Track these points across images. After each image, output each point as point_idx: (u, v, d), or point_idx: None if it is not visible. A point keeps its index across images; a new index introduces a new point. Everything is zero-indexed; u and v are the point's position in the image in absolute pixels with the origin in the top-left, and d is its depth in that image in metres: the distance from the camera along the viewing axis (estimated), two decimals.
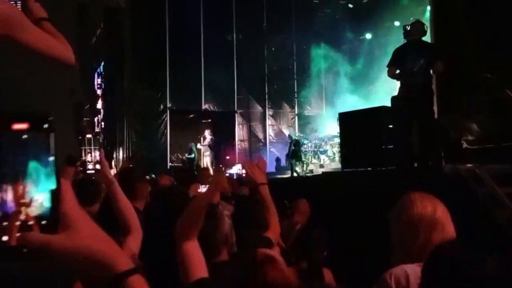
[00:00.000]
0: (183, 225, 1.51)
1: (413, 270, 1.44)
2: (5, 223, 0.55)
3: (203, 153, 12.77)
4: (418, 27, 5.43)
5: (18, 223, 0.55)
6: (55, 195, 0.57)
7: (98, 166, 1.75)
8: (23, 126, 0.56)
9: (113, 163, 12.61)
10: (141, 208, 2.96)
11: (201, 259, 1.43)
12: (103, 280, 0.60)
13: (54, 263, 0.59)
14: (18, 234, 0.55)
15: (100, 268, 0.60)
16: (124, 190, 1.87)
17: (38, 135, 0.56)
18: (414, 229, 1.56)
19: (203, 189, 3.64)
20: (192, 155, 12.37)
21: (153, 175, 6.73)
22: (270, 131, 15.37)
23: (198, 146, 12.76)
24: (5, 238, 0.55)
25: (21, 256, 0.56)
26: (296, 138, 12.37)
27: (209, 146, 12.57)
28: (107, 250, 0.61)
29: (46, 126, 0.57)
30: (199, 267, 1.40)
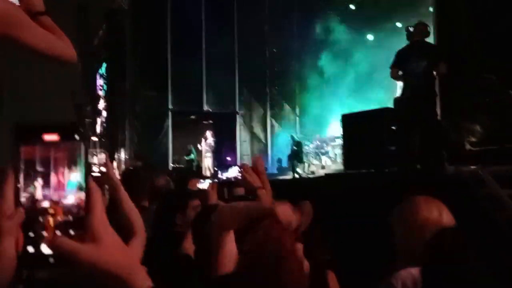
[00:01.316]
0: (227, 217, 1.46)
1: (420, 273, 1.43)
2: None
3: (204, 154, 12.78)
4: (420, 28, 5.43)
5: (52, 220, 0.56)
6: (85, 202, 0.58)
7: (103, 169, 1.74)
8: (53, 137, 0.57)
9: (114, 164, 12.62)
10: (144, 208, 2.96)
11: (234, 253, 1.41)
12: None
13: (77, 273, 0.59)
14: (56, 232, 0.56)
15: (121, 284, 0.60)
16: (127, 191, 1.87)
17: (68, 145, 0.58)
18: (420, 233, 1.56)
19: (201, 184, 3.64)
20: (192, 156, 12.38)
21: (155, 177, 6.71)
22: (271, 132, 15.37)
23: (199, 147, 12.76)
24: (45, 233, 0.56)
25: (48, 264, 0.57)
26: (298, 139, 12.36)
27: (210, 147, 12.58)
28: (129, 267, 0.62)
29: (77, 137, 0.58)
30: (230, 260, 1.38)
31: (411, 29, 5.57)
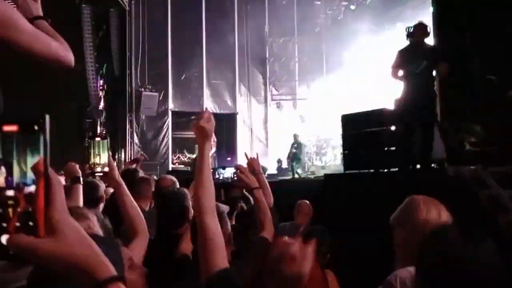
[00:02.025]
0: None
1: None
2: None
3: None
4: (421, 28, 5.43)
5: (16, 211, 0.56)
6: (45, 196, 0.57)
7: (106, 169, 1.75)
8: (12, 128, 0.57)
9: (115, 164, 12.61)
10: (146, 208, 2.97)
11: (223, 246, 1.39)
12: (85, 287, 0.61)
13: (38, 266, 0.59)
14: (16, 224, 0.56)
15: (82, 275, 0.60)
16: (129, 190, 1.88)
17: (28, 136, 0.57)
18: (420, 233, 1.57)
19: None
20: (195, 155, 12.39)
21: (155, 177, 6.73)
22: (271, 133, 15.37)
23: None
24: (4, 225, 0.56)
25: (8, 257, 0.56)
26: (299, 140, 12.34)
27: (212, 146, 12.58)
28: (90, 257, 0.61)
29: (36, 128, 0.57)
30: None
31: (411, 29, 5.57)
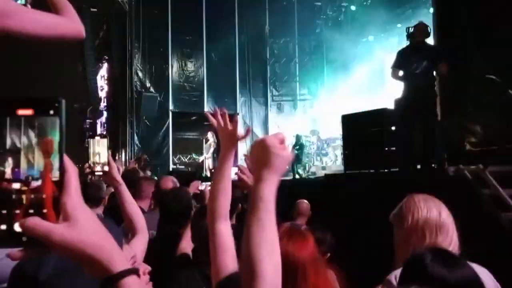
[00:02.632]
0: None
1: None
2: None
3: (205, 155, 12.78)
4: (421, 29, 5.44)
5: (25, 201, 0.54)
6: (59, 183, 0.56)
7: (106, 168, 1.75)
8: (28, 112, 0.55)
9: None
10: (146, 208, 2.98)
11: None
12: (98, 278, 0.59)
13: (51, 253, 0.57)
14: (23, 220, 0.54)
15: (96, 265, 0.58)
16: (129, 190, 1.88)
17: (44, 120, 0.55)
18: (420, 232, 1.57)
19: (202, 187, 3.63)
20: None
21: (155, 177, 6.73)
22: (272, 133, 15.37)
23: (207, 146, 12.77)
24: (18, 211, 0.54)
25: (20, 243, 0.55)
26: (302, 141, 12.31)
27: (212, 146, 12.55)
28: (105, 247, 0.59)
29: (52, 112, 0.55)
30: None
31: (411, 29, 5.58)
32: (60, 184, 0.56)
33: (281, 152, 0.94)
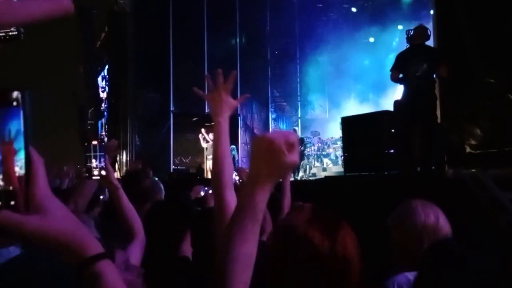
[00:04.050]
0: None
1: None
2: None
3: (206, 156, 12.79)
4: (421, 31, 5.44)
5: None
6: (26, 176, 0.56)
7: (103, 172, 1.75)
8: None
9: (116, 166, 12.64)
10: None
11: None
12: (73, 264, 0.61)
13: (24, 244, 0.59)
14: None
15: (70, 251, 0.60)
16: (129, 192, 1.89)
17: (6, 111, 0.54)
18: (417, 238, 1.57)
19: (204, 191, 3.64)
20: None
21: (156, 178, 6.74)
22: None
23: (203, 145, 12.77)
24: None
25: None
26: (305, 142, 12.28)
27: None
28: (76, 233, 0.61)
29: (14, 104, 0.55)
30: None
31: (411, 32, 5.58)
32: (27, 175, 0.56)
33: (288, 159, 0.81)
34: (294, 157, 0.82)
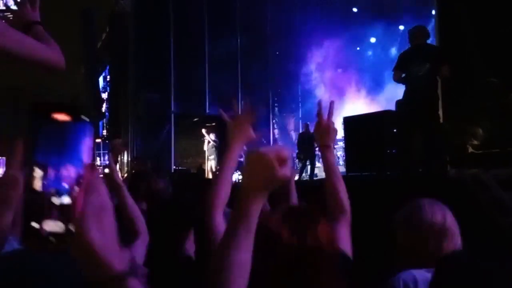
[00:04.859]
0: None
1: (422, 275, 1.43)
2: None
3: (207, 156, 12.79)
4: (422, 31, 5.44)
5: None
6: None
7: (106, 170, 1.75)
8: (65, 117, 0.55)
9: (117, 166, 12.63)
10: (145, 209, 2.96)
11: None
12: (98, 280, 0.58)
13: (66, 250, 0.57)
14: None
15: (98, 264, 0.58)
16: (133, 192, 1.89)
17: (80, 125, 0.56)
18: (424, 236, 1.56)
19: None
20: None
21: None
22: (274, 135, 15.38)
23: (206, 147, 12.78)
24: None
25: (47, 245, 0.54)
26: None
27: (214, 145, 12.53)
28: (108, 248, 0.59)
29: (85, 118, 0.57)
30: None
31: (412, 32, 5.58)
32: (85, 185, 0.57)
33: (279, 173, 0.83)
34: (285, 171, 0.84)
